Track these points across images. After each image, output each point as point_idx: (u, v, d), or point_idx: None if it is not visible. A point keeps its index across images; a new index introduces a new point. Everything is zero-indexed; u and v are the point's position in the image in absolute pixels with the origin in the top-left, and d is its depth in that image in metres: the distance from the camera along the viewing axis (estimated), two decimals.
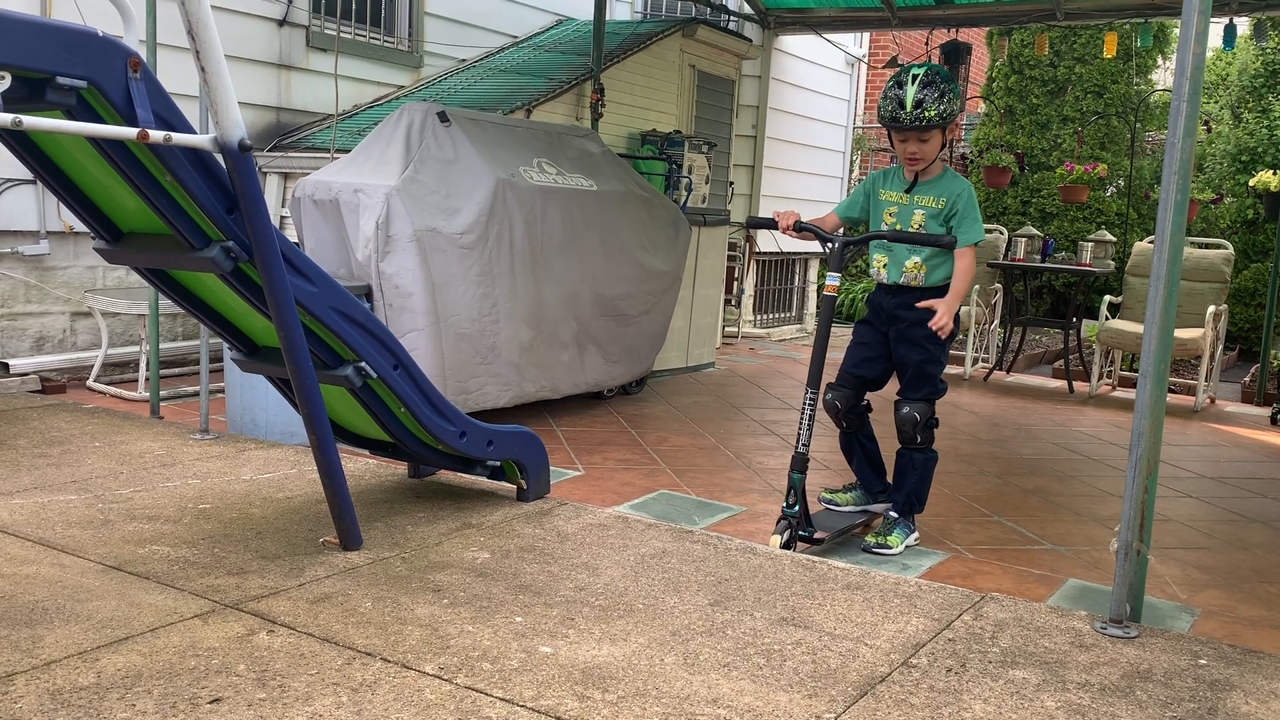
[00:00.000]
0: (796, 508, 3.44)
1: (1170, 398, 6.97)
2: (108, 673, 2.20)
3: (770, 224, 3.69)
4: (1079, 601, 3.24)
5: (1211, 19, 3.15)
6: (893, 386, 3.79)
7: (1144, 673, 2.49)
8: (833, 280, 3.55)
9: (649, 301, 5.86)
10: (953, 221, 3.57)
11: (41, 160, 2.82)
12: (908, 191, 3.65)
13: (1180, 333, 6.84)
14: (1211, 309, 7.02)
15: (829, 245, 3.56)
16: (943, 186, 3.61)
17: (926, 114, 3.43)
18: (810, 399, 3.50)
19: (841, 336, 3.85)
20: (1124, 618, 2.76)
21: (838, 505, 3.91)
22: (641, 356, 5.99)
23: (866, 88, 14.14)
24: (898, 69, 3.58)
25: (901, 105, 3.45)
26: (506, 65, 7.47)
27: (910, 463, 3.68)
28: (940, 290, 3.65)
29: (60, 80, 2.40)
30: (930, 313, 3.57)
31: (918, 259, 3.61)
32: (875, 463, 3.87)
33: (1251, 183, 9.71)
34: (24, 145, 2.76)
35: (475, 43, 7.78)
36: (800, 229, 3.64)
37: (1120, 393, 7.66)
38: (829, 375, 3.66)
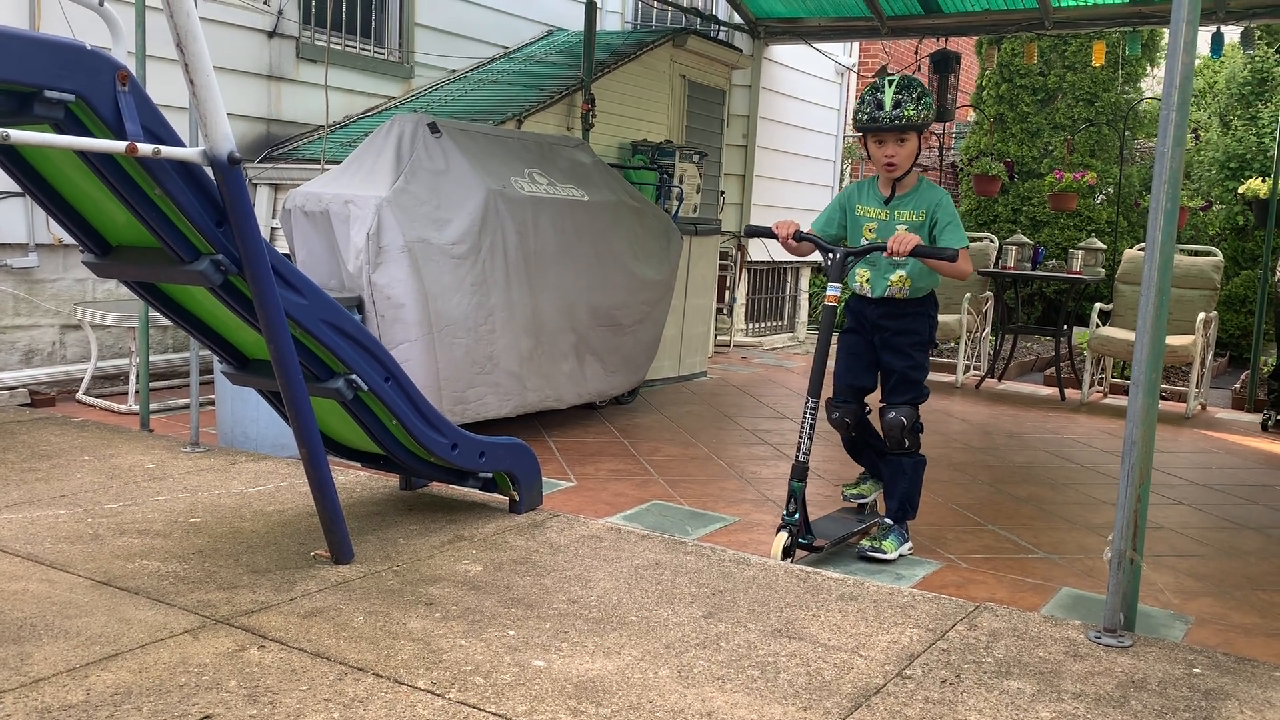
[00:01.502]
0: (796, 515, 3.44)
1: (1161, 404, 6.99)
2: (97, 690, 2.18)
3: (769, 233, 3.69)
4: (1073, 610, 3.23)
5: (1199, 27, 3.17)
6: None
7: (1138, 682, 2.49)
8: (833, 291, 3.55)
9: (643, 311, 5.85)
10: (935, 231, 3.58)
11: (29, 174, 2.80)
12: (886, 204, 3.65)
13: (1171, 340, 6.86)
14: (1202, 316, 7.04)
15: (829, 256, 3.57)
16: (921, 198, 3.63)
17: (905, 113, 3.48)
18: (810, 408, 3.50)
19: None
20: (1118, 627, 2.76)
21: (864, 496, 3.94)
22: (638, 366, 5.99)
23: (856, 97, 14.19)
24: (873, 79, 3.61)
25: (880, 106, 3.51)
26: (497, 76, 7.48)
27: (900, 469, 3.69)
28: (923, 301, 3.68)
29: (48, 94, 2.39)
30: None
31: (902, 272, 3.62)
32: (883, 454, 3.89)
33: (1241, 190, 9.76)
34: (11, 159, 2.75)
35: (466, 53, 7.78)
36: (800, 239, 3.65)
37: (1112, 400, 7.68)
38: (825, 388, 3.66)
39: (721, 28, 8.96)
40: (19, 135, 2.31)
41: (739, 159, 9.30)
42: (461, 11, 7.73)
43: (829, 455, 5.07)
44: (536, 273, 5.08)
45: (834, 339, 3.71)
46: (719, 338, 9.06)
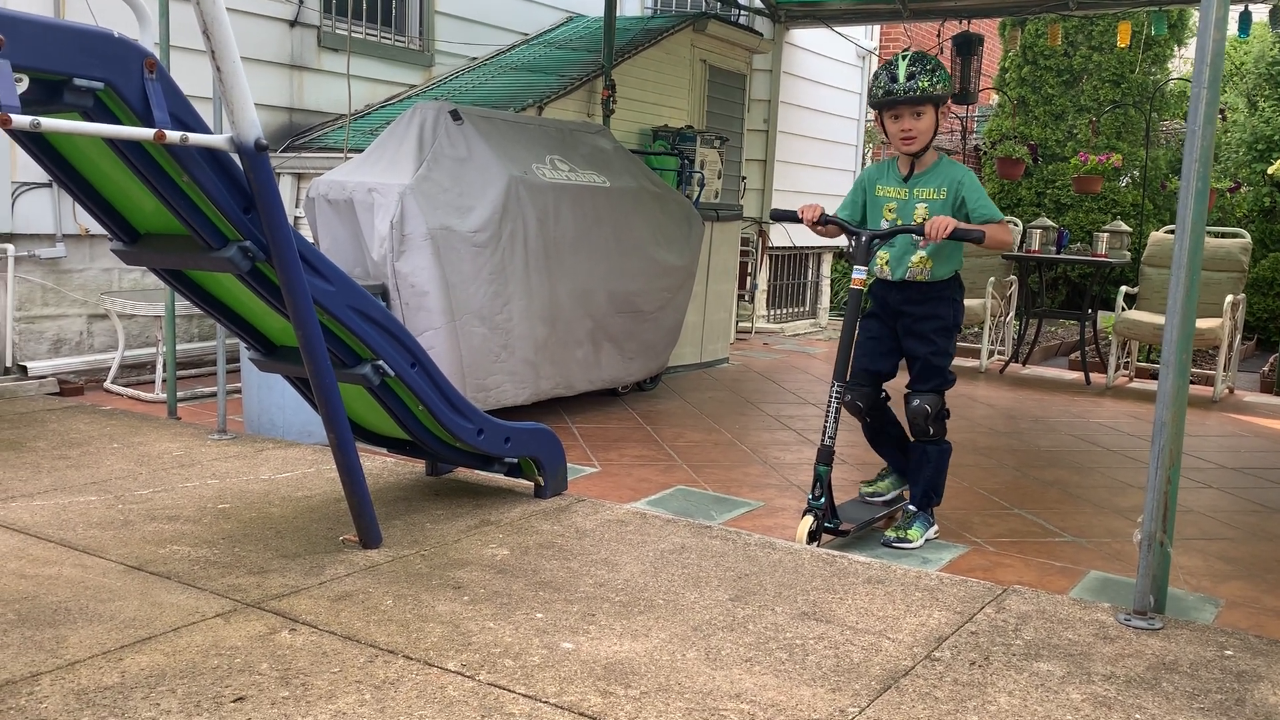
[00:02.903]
0: (822, 500, 3.44)
1: (1189, 388, 6.92)
2: (131, 672, 2.21)
3: (793, 217, 3.67)
4: (1101, 593, 3.21)
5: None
6: (902, 378, 3.77)
7: (1169, 664, 2.47)
8: (859, 274, 3.53)
9: (664, 297, 5.85)
10: (968, 209, 3.55)
11: (59, 162, 2.82)
12: (905, 183, 3.62)
13: (1198, 323, 6.78)
14: (1229, 298, 6.97)
15: (855, 239, 3.55)
16: (941, 176, 3.59)
17: (920, 84, 3.46)
18: (836, 392, 3.48)
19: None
20: (1148, 609, 2.74)
21: (881, 494, 3.89)
22: (658, 352, 5.99)
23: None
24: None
25: (895, 79, 3.48)
26: (517, 63, 7.47)
27: (925, 456, 3.67)
28: (947, 284, 3.63)
29: (77, 82, 2.40)
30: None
31: (923, 254, 3.58)
32: (904, 446, 3.85)
33: (1270, 171, 9.64)
34: (41, 147, 2.77)
35: (486, 41, 7.78)
36: (825, 222, 3.63)
37: (1137, 384, 7.62)
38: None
39: (742, 12, 8.92)
40: (49, 123, 2.33)
41: (760, 144, 9.26)
42: None
43: (855, 440, 5.05)
44: (555, 260, 5.08)
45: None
46: (740, 324, 9.04)
